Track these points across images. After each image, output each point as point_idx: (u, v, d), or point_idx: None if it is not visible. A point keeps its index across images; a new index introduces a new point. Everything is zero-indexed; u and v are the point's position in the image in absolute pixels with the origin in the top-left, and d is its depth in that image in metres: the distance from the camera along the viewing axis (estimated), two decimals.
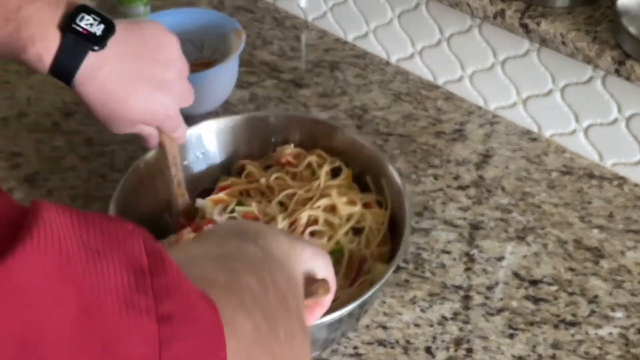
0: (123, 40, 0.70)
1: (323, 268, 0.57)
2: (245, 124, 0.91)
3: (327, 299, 0.60)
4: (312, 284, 0.56)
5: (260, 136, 0.91)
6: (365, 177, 0.86)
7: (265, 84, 1.10)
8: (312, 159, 0.87)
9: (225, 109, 1.05)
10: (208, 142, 0.90)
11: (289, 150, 0.88)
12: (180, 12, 1.09)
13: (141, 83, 0.72)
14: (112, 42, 0.68)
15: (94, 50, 0.67)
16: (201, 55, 1.08)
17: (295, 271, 0.52)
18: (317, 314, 0.60)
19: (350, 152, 0.87)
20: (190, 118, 1.03)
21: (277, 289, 0.45)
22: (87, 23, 0.67)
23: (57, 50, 0.66)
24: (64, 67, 0.67)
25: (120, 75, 0.70)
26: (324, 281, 0.57)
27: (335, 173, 0.86)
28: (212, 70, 0.99)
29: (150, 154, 0.84)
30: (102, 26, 0.68)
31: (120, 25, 0.70)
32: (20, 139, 1.01)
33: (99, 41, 0.68)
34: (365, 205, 0.82)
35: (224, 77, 1.03)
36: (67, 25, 0.66)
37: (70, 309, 0.29)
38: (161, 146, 0.81)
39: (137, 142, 0.99)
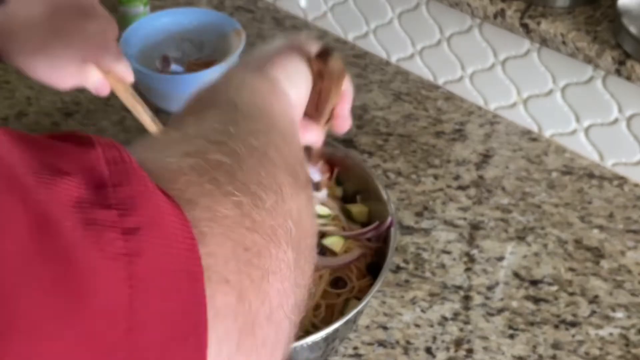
0: None
1: (312, 44, 0.57)
2: None
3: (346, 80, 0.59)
4: (317, 62, 0.55)
5: None
6: (356, 195, 0.85)
7: None
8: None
9: None
10: None
11: None
12: (180, 12, 1.09)
13: (62, 19, 0.70)
14: None
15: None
16: (201, 55, 1.08)
17: (278, 112, 0.49)
18: (349, 99, 0.62)
19: (337, 166, 0.86)
20: None
21: (251, 147, 0.41)
22: None
23: None
24: None
25: (37, 25, 0.68)
26: (325, 51, 0.56)
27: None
28: (212, 70, 0.98)
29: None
30: None
31: None
32: None
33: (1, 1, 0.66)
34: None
35: None
36: None
37: (21, 231, 0.26)
38: (114, 89, 0.79)
39: (136, 142, 0.99)
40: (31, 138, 0.30)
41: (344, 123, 0.63)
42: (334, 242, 0.79)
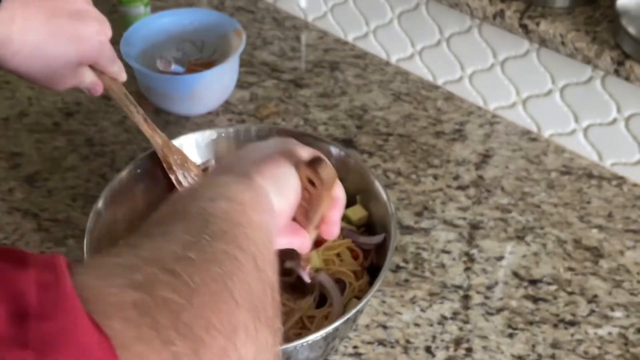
0: None
1: (303, 151, 0.56)
2: (227, 138, 0.88)
3: (337, 191, 0.59)
4: (307, 170, 0.54)
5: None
6: (356, 196, 0.85)
7: (266, 84, 1.10)
8: None
9: (226, 109, 1.05)
10: (189, 155, 0.87)
11: None
12: (181, 12, 1.09)
13: (58, 25, 0.70)
14: (6, 4, 0.66)
15: None
16: (201, 55, 1.08)
17: (256, 225, 0.47)
18: (340, 206, 0.61)
19: (337, 166, 0.86)
20: (185, 122, 1.03)
21: (210, 277, 0.38)
22: None
23: None
24: None
25: (34, 30, 0.68)
26: (316, 160, 0.55)
27: None
28: (213, 70, 0.99)
29: (147, 152, 0.84)
30: None
31: None
32: (20, 139, 1.01)
33: None
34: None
35: (224, 77, 1.03)
36: None
37: None
38: (108, 89, 0.81)
39: (137, 142, 0.99)
40: None
41: (333, 229, 0.62)
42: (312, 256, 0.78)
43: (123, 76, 0.81)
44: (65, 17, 0.71)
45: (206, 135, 0.87)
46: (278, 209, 0.53)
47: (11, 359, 0.25)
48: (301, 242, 0.60)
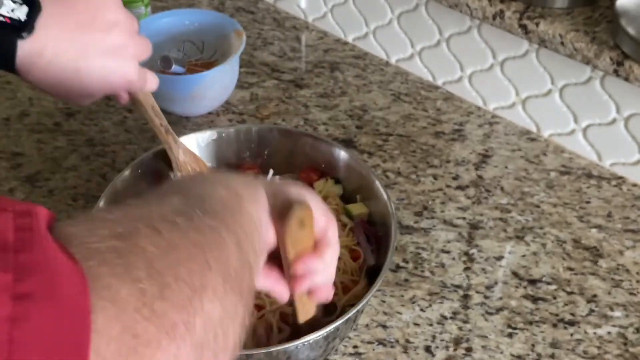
0: (55, 15, 0.62)
1: (296, 193, 0.55)
2: (227, 138, 0.88)
3: (330, 235, 0.57)
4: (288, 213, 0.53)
5: (246, 148, 0.89)
6: (356, 194, 0.85)
7: (266, 85, 1.11)
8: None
9: (226, 109, 1.06)
10: None
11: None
12: (181, 12, 1.09)
13: (89, 56, 0.65)
14: (42, 22, 0.61)
15: (22, 37, 0.60)
16: (202, 55, 1.08)
17: (247, 215, 0.48)
18: (328, 255, 0.57)
19: (337, 166, 0.86)
20: (185, 123, 1.03)
21: (190, 243, 0.41)
22: (8, 9, 0.59)
23: None
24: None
25: (63, 54, 0.64)
26: (298, 202, 0.53)
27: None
28: (213, 70, 0.99)
29: (149, 153, 0.84)
30: (25, 8, 0.60)
31: (46, 1, 0.62)
32: (21, 139, 1.01)
33: (25, 26, 0.60)
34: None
35: (225, 77, 1.03)
36: None
37: None
38: (135, 101, 0.79)
39: (138, 142, 0.99)
40: None
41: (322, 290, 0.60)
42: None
43: (154, 87, 0.77)
44: (98, 54, 0.66)
45: (207, 136, 0.88)
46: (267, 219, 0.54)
47: None
48: (280, 290, 0.59)
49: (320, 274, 0.58)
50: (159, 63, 1.00)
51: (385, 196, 0.79)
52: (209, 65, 1.03)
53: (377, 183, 0.80)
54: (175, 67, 1.00)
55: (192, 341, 0.37)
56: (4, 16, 0.59)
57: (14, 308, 0.29)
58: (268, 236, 0.54)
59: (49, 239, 0.33)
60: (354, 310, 0.68)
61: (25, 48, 0.61)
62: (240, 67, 1.07)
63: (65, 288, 0.32)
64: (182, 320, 0.37)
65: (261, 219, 0.51)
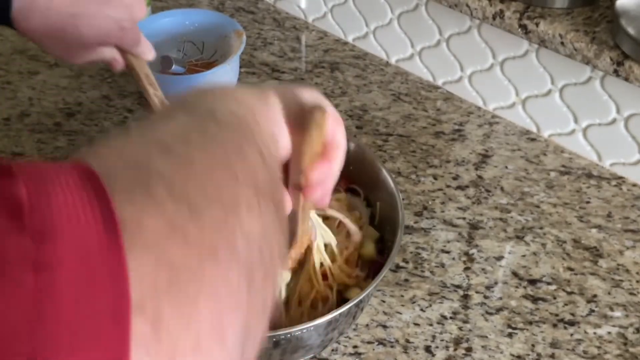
0: None
1: (310, 97, 0.52)
2: None
3: (339, 137, 0.54)
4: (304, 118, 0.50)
5: None
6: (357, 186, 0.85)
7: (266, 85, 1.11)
8: None
9: None
10: None
11: None
12: (181, 12, 1.09)
13: (84, 3, 0.68)
14: None
15: None
16: (202, 56, 1.08)
17: (262, 126, 0.45)
18: (337, 159, 0.55)
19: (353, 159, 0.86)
20: None
21: (211, 157, 0.38)
22: None
23: None
24: None
25: (57, 6, 0.66)
26: (316, 108, 0.51)
27: None
28: (213, 70, 0.99)
29: None
30: None
31: None
32: (22, 139, 1.01)
33: None
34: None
35: (225, 77, 1.03)
36: None
37: None
38: (129, 68, 0.78)
39: None
40: None
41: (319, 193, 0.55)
42: None
43: (149, 55, 0.78)
44: (92, 1, 0.69)
45: None
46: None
47: (11, 244, 0.26)
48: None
49: (329, 179, 0.56)
50: (159, 63, 1.00)
51: (395, 191, 0.79)
52: (209, 65, 1.03)
53: (386, 174, 0.80)
54: (175, 67, 1.00)
55: (239, 263, 0.34)
56: None
57: (36, 278, 0.26)
58: (283, 142, 0.51)
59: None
60: (356, 300, 0.68)
61: None
62: (241, 67, 1.07)
63: (89, 242, 0.28)
64: (222, 242, 0.34)
65: (275, 130, 0.48)
